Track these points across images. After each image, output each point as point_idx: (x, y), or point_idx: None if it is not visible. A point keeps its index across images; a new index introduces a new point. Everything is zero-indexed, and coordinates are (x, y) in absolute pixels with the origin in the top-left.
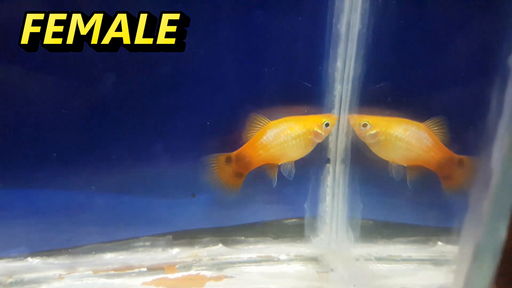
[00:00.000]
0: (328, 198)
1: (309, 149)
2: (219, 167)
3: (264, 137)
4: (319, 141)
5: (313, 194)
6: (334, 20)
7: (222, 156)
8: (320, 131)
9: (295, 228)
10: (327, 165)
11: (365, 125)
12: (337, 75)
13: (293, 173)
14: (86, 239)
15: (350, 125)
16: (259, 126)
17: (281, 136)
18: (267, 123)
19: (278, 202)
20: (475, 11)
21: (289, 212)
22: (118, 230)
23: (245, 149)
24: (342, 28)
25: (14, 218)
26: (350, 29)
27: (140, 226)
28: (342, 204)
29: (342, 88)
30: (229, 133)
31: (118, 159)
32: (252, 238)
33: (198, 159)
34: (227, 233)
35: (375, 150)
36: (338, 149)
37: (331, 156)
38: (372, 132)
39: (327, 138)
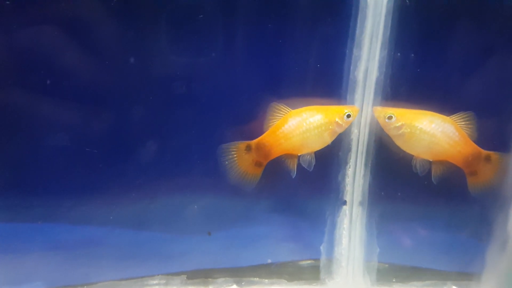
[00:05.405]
0: (345, 241)
1: (330, 139)
2: (238, 156)
3: (286, 126)
4: (340, 131)
5: (329, 236)
6: (351, 67)
7: (242, 144)
8: (341, 122)
9: (310, 270)
10: (344, 207)
11: (390, 118)
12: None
13: (313, 164)
14: (102, 275)
15: (367, 167)
16: (280, 115)
17: (303, 125)
18: (288, 111)
19: (293, 242)
20: (493, 59)
21: (304, 253)
22: (134, 266)
23: (265, 138)
24: (360, 75)
25: (31, 252)
26: (368, 76)
27: (156, 263)
28: (359, 247)
29: (359, 132)
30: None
31: (136, 194)
32: (267, 280)
33: (215, 197)
34: (241, 273)
35: (399, 143)
36: (355, 191)
37: (347, 198)
38: (397, 125)
39: (344, 180)
